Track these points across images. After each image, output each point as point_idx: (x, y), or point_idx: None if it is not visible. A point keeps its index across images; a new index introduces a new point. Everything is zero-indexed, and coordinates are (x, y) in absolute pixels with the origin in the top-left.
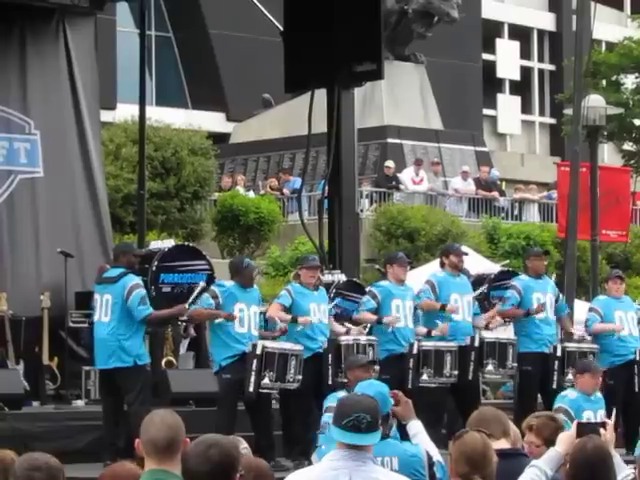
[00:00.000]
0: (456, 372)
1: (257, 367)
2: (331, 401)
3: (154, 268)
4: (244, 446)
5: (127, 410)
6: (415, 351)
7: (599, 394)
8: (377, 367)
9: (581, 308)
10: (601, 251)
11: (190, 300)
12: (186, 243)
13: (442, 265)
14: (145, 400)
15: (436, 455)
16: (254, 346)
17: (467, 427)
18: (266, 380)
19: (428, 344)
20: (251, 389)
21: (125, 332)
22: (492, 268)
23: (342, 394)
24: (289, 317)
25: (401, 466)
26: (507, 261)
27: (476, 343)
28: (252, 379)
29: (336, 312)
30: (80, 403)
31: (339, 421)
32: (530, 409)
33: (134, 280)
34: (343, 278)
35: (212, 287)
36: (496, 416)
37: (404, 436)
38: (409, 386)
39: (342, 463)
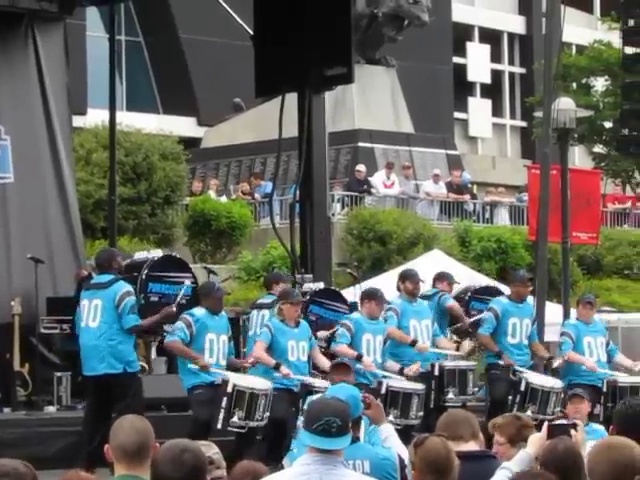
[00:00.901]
0: (421, 413)
1: (227, 405)
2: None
3: (143, 276)
4: (215, 451)
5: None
6: (383, 391)
7: (596, 426)
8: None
9: (552, 311)
10: (572, 253)
11: (177, 301)
12: (173, 254)
13: (398, 289)
14: (135, 409)
15: (407, 458)
16: (225, 382)
17: (437, 429)
18: (235, 418)
19: (396, 385)
20: (219, 426)
21: (116, 337)
22: (476, 280)
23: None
24: (273, 363)
25: (373, 469)
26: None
27: (436, 371)
28: (221, 416)
29: (312, 320)
30: (52, 409)
31: (309, 425)
32: (502, 410)
33: (126, 287)
34: (321, 286)
35: (185, 316)
36: (466, 418)
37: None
38: None
39: (313, 467)
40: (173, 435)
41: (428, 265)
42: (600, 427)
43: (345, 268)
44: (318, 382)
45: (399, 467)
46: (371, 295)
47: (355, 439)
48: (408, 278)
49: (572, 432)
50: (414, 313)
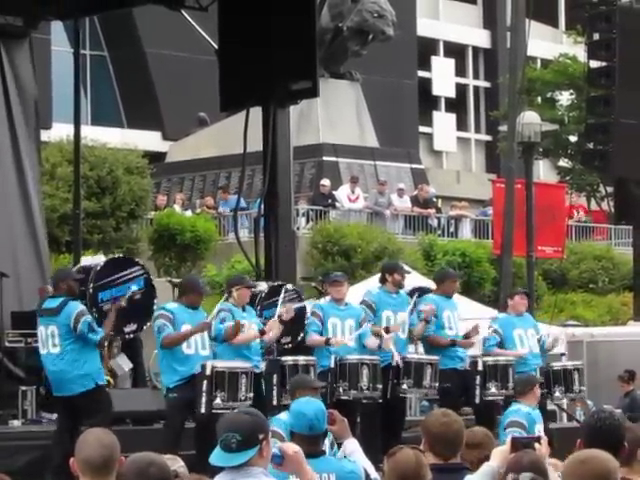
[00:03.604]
0: (379, 385)
1: (207, 388)
2: (274, 425)
3: (91, 290)
4: (181, 464)
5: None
6: (333, 365)
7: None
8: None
9: None
10: (537, 267)
11: (126, 296)
12: (116, 255)
13: (384, 282)
14: (106, 423)
15: (373, 473)
16: (203, 367)
17: (428, 440)
18: (218, 400)
19: (345, 357)
20: (203, 410)
21: (80, 358)
22: None
23: (283, 416)
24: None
25: None
26: None
27: (393, 362)
28: (203, 400)
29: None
30: (17, 423)
31: (218, 440)
32: None
33: (77, 308)
34: (264, 288)
35: (161, 312)
36: (453, 440)
37: None
38: (328, 401)
39: None
40: (138, 449)
41: None
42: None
43: (310, 282)
44: (284, 357)
45: None
46: (325, 279)
47: (320, 452)
48: (398, 270)
49: (536, 445)
50: (391, 304)
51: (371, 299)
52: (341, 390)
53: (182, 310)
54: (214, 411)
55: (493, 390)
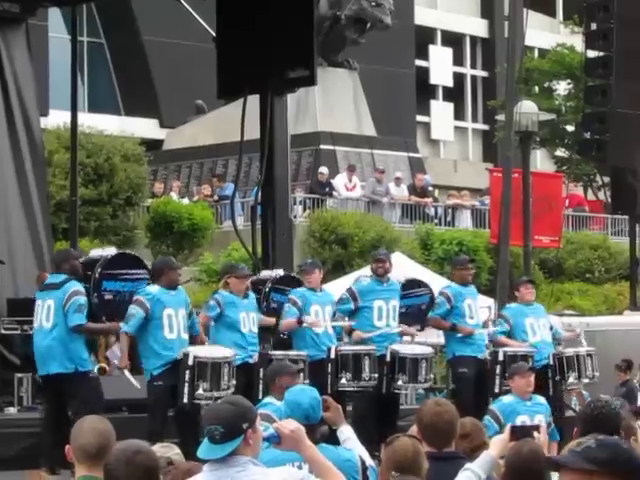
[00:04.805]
0: (376, 375)
1: (190, 377)
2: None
3: (97, 275)
4: (176, 452)
5: (73, 419)
6: (333, 355)
7: (540, 398)
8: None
9: None
10: (534, 257)
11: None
12: (127, 251)
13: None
14: (92, 408)
15: (368, 459)
16: (185, 355)
17: (421, 430)
18: (200, 390)
19: (346, 348)
20: (185, 400)
21: (68, 336)
22: (437, 284)
23: (269, 400)
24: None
25: None
26: None
27: (388, 357)
28: (185, 389)
29: (274, 307)
30: (12, 410)
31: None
32: (467, 412)
33: (76, 287)
34: (281, 273)
35: (138, 297)
36: (446, 431)
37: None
38: (329, 391)
39: (224, 472)
40: (134, 437)
41: None
42: (543, 400)
43: None
44: (273, 351)
45: (361, 469)
46: (299, 267)
47: (317, 441)
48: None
49: (535, 434)
50: (380, 292)
51: (357, 288)
52: (344, 381)
53: (163, 292)
54: (196, 401)
55: None
